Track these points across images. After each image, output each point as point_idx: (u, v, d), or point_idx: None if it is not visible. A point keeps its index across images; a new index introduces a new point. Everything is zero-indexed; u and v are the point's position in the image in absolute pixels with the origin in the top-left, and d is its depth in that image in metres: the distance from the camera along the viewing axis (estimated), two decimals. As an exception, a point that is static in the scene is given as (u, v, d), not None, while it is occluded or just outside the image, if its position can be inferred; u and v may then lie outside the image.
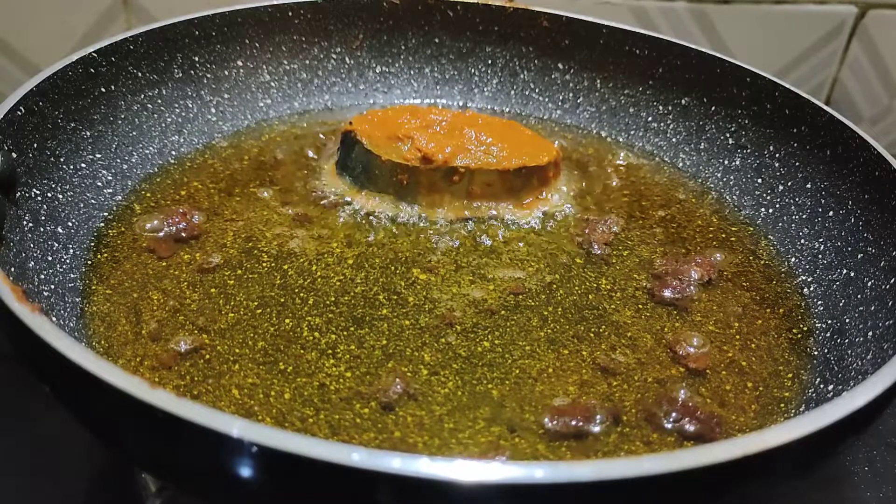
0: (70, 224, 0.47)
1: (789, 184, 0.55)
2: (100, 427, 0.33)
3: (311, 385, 0.39)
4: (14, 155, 0.43)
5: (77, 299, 0.43)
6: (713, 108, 0.61)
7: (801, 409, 0.41)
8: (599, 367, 0.42)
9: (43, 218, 0.45)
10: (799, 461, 0.31)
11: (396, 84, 0.68)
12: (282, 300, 0.45)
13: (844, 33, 0.82)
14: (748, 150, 0.59)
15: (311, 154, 0.59)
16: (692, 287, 0.48)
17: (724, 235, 0.54)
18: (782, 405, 0.41)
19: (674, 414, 0.39)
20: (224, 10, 0.60)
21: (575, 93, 0.66)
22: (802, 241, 0.52)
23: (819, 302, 0.48)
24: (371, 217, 0.52)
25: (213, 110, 0.61)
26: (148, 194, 0.52)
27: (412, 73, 0.68)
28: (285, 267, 0.47)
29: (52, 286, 0.42)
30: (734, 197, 0.58)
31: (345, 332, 0.43)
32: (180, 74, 0.59)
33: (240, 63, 0.62)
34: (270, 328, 0.43)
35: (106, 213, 0.50)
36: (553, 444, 0.37)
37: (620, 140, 0.64)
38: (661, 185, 0.59)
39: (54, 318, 0.40)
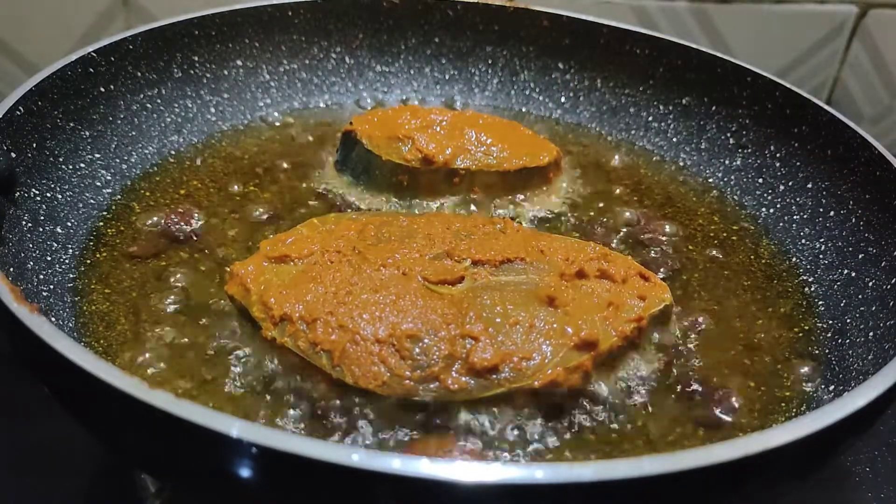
0: (69, 224, 0.47)
1: (790, 183, 0.55)
2: (99, 427, 0.33)
3: (310, 385, 0.39)
4: (13, 155, 0.43)
5: (76, 299, 0.43)
6: (714, 107, 0.61)
7: (801, 409, 0.41)
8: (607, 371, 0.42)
9: (42, 218, 0.45)
10: (799, 462, 0.30)
11: (396, 84, 0.68)
12: (281, 300, 0.44)
13: (845, 33, 0.82)
14: (749, 150, 0.59)
15: (310, 154, 0.59)
16: (692, 287, 0.48)
17: (725, 235, 0.54)
18: (782, 405, 0.41)
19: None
20: (224, 10, 0.60)
21: (575, 92, 0.66)
22: (803, 240, 0.52)
23: (820, 302, 0.48)
24: (371, 217, 0.52)
25: (213, 110, 0.61)
26: (147, 194, 0.52)
27: (412, 72, 0.68)
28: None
29: (51, 286, 0.42)
30: (735, 196, 0.58)
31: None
32: (180, 74, 0.59)
33: (239, 63, 0.62)
34: (270, 328, 0.43)
35: (105, 213, 0.50)
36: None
37: (621, 139, 0.64)
38: (661, 185, 0.59)
39: (53, 318, 0.40)
